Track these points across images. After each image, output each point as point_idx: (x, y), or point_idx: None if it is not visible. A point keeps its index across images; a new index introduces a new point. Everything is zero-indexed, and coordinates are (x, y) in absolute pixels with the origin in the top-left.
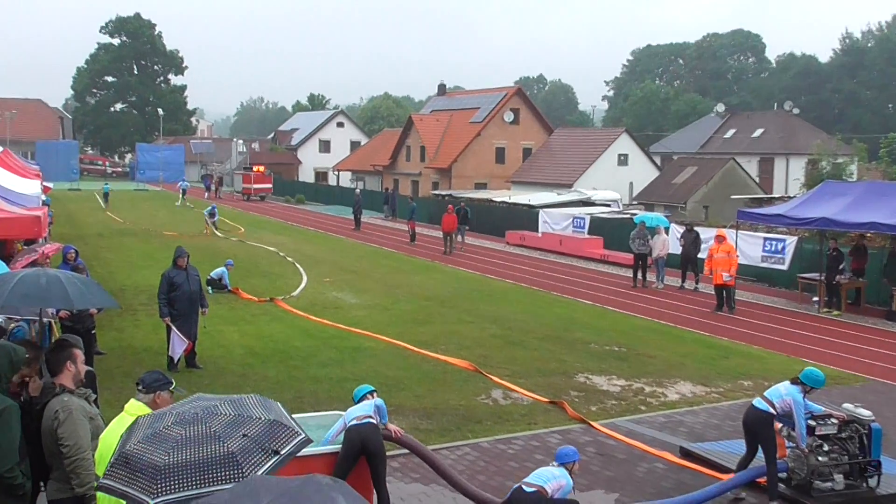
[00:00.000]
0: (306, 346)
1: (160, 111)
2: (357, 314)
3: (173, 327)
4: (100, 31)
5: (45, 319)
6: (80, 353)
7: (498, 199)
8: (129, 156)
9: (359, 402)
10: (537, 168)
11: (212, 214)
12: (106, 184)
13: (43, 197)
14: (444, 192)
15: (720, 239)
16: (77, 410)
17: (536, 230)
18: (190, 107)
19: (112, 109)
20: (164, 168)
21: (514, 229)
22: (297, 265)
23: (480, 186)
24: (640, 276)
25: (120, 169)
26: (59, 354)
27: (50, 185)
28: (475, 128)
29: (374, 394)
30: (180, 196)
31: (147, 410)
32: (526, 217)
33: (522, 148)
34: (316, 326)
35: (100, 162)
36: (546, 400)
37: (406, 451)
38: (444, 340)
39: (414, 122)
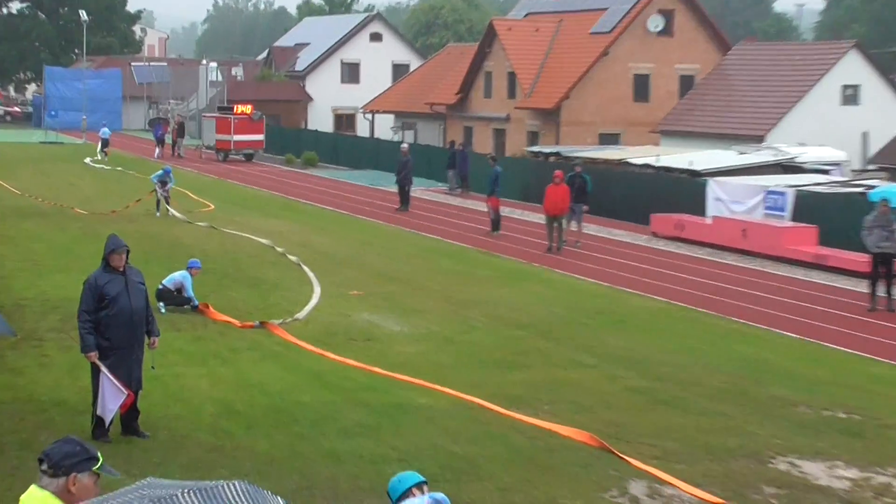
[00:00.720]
0: (319, 401)
1: (83, 15)
2: (403, 350)
3: (103, 368)
4: None
5: None
6: None
7: (638, 161)
8: (31, 87)
9: (400, 500)
10: (704, 109)
11: (164, 182)
12: None
13: None
14: (547, 150)
15: None
16: None
17: (702, 213)
18: (131, 8)
19: (4, 12)
20: (89, 107)
21: (664, 211)
22: (305, 268)
23: (608, 139)
24: (881, 290)
25: (18, 109)
26: None
27: None
28: (599, 42)
29: (426, 487)
30: (98, 148)
31: (55, 503)
32: (685, 191)
33: (679, 76)
34: (335, 370)
35: None
36: (721, 501)
37: None
38: (548, 395)
39: (498, 34)
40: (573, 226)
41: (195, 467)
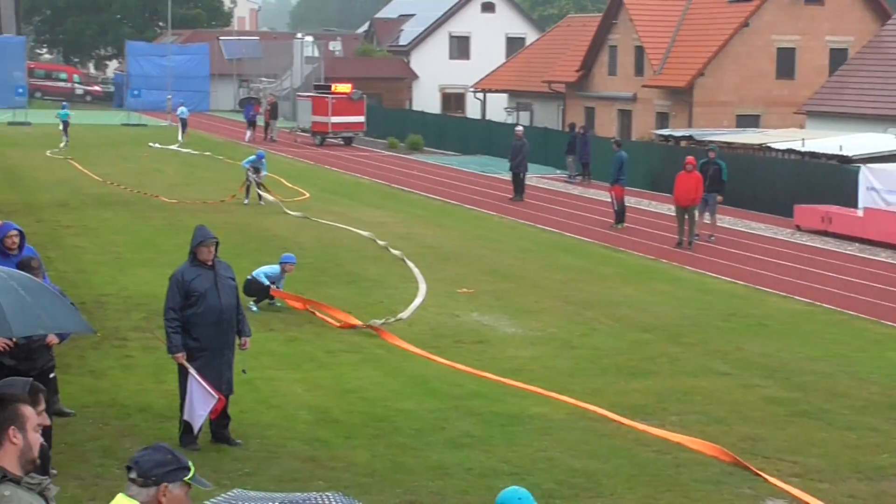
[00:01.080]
0: (424, 409)
1: None
2: (517, 354)
3: (191, 370)
4: None
5: None
6: (31, 414)
7: (781, 146)
8: (113, 64)
9: None
10: (857, 87)
11: (256, 169)
12: (64, 106)
13: None
14: (678, 133)
15: None
16: None
17: (853, 204)
18: None
19: None
20: (175, 86)
21: (809, 201)
22: (409, 263)
23: (747, 121)
24: None
25: (99, 87)
26: None
27: None
28: (738, 11)
29: None
30: (179, 131)
31: None
32: (834, 179)
33: (829, 49)
34: (441, 375)
35: (63, 74)
36: None
37: None
38: (677, 405)
39: (624, 3)
40: (706, 218)
41: (289, 479)
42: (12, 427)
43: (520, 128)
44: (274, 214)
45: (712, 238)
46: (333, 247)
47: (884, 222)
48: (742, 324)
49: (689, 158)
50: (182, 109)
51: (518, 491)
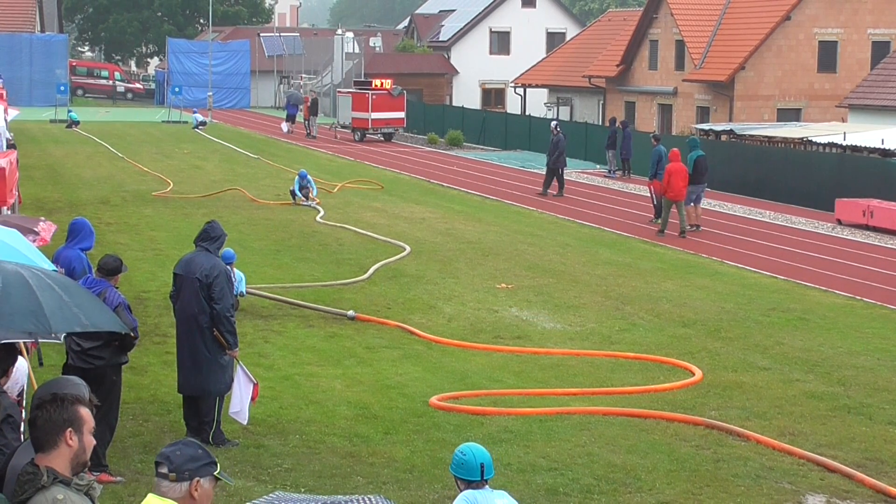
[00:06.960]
0: (463, 405)
1: None
2: (557, 349)
3: (240, 364)
4: None
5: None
6: (88, 417)
7: (822, 140)
8: (154, 62)
9: (474, 484)
10: None
11: (305, 187)
12: (70, 112)
13: (7, 134)
14: (718, 127)
15: None
16: None
17: (895, 198)
18: None
19: None
20: (216, 83)
21: (851, 195)
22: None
23: (788, 115)
24: None
25: (140, 85)
26: (56, 415)
27: (17, 111)
28: (780, 5)
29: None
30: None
31: None
32: (876, 173)
33: (871, 42)
34: (482, 369)
35: (105, 72)
36: None
37: None
38: (717, 401)
39: None
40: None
41: (329, 475)
42: (70, 429)
43: (554, 122)
44: (314, 212)
45: (696, 227)
46: (374, 243)
47: None
48: (782, 318)
49: (673, 151)
50: (195, 116)
51: (484, 454)
